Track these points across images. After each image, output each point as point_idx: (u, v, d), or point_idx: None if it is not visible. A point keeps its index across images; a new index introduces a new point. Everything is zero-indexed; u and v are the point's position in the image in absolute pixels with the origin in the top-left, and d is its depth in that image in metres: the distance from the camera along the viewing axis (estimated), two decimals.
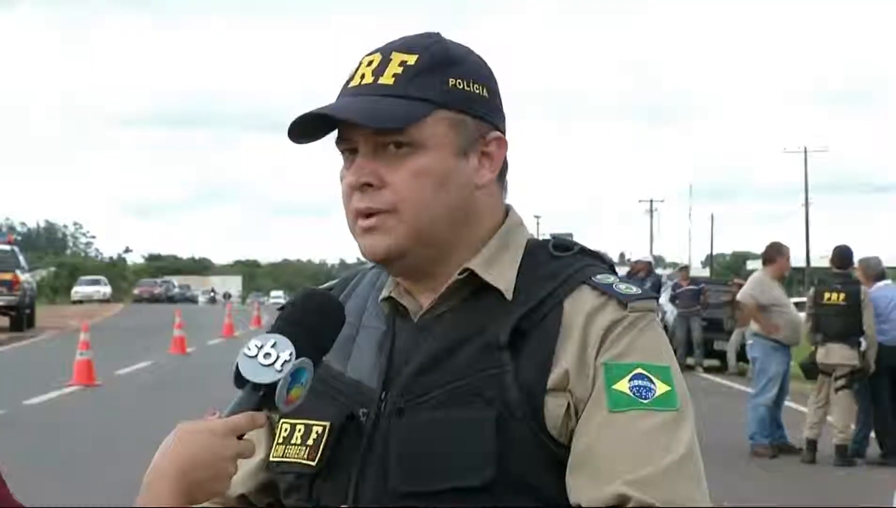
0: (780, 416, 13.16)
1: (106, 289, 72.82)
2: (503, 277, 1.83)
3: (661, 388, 1.75)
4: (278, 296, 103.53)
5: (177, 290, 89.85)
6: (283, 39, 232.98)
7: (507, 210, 1.91)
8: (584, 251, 1.88)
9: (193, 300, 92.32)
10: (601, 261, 1.89)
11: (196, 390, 17.93)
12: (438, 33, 1.88)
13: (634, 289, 1.82)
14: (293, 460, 1.85)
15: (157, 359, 25.02)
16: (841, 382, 12.33)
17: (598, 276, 1.83)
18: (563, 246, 1.88)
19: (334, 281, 2.04)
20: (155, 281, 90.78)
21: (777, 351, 13.01)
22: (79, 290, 70.92)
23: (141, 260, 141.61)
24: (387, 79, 1.81)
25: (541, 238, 1.92)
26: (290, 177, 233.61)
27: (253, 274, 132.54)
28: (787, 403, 13.60)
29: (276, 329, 1.74)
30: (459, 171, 1.82)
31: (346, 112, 1.80)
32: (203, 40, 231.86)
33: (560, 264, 1.85)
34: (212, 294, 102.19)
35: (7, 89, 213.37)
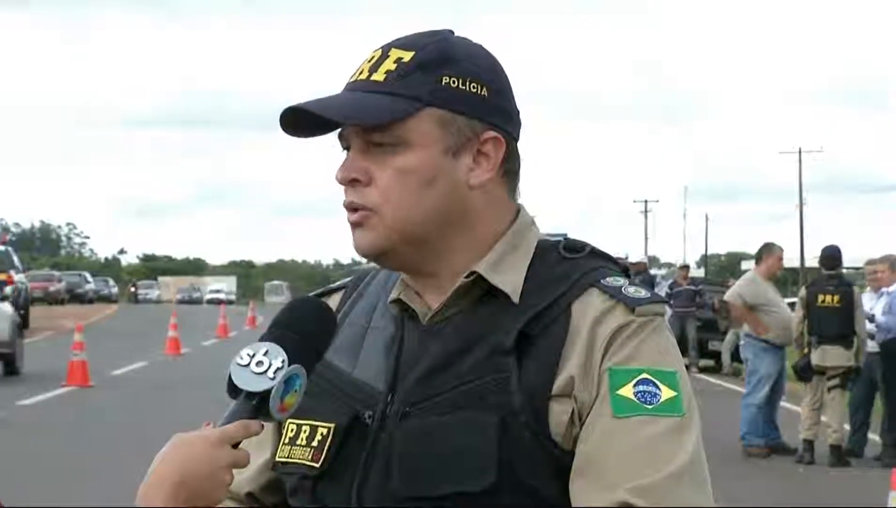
0: (775, 417, 13.17)
1: None
2: (510, 280, 1.81)
3: (666, 394, 1.74)
4: (218, 291, 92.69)
5: (90, 286, 72.25)
6: (283, 39, 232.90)
7: (518, 210, 1.89)
8: (594, 252, 1.86)
9: (111, 299, 76.43)
10: (612, 263, 1.87)
11: (191, 391, 17.93)
12: (449, 31, 1.86)
13: (643, 293, 1.80)
14: (298, 461, 1.84)
15: (152, 360, 25.02)
16: (834, 382, 12.36)
17: (608, 279, 1.81)
18: (573, 247, 1.86)
19: (347, 279, 2.03)
20: (52, 273, 67.92)
21: (768, 352, 13.01)
22: None
23: (136, 261, 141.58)
24: (379, 75, 1.81)
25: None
26: (287, 178, 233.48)
27: (248, 275, 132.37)
28: (782, 403, 13.60)
29: (268, 336, 1.74)
30: (448, 171, 1.80)
31: (323, 107, 1.79)
32: (203, 40, 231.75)
33: (570, 266, 1.83)
34: (132, 290, 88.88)
35: (2, 89, 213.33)
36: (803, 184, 68.91)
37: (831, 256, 12.85)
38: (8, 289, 28.21)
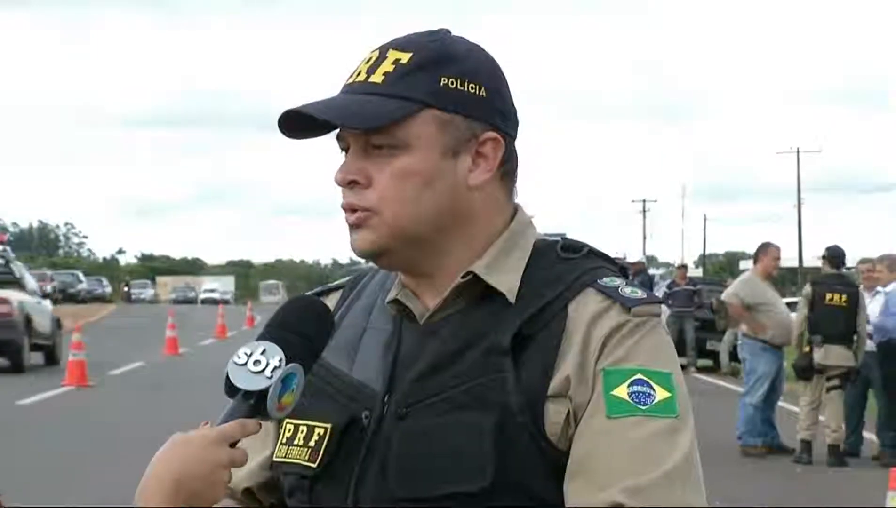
0: (773, 417, 13.17)
1: None
2: (507, 280, 1.81)
3: (660, 394, 1.73)
4: (212, 291, 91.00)
5: (83, 286, 71.90)
6: (283, 39, 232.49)
7: (515, 210, 1.89)
8: (592, 252, 1.86)
9: (105, 298, 75.46)
10: (610, 263, 1.87)
11: (189, 390, 17.92)
12: (446, 30, 1.86)
13: (640, 293, 1.80)
14: (294, 461, 1.84)
15: (150, 360, 25.02)
16: (834, 382, 12.36)
17: (605, 279, 1.81)
18: (571, 247, 1.86)
19: (344, 279, 2.03)
20: (45, 272, 64.44)
21: (766, 352, 13.00)
22: None
23: (134, 261, 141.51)
24: (377, 77, 1.81)
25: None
26: (287, 178, 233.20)
27: (247, 275, 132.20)
28: (780, 403, 13.60)
29: (265, 336, 1.74)
30: (447, 172, 1.80)
31: (322, 110, 1.79)
32: (203, 40, 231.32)
33: (567, 266, 1.83)
34: (125, 289, 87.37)
35: (2, 89, 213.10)
36: (802, 183, 69.11)
37: (837, 255, 12.86)
38: (49, 288, 29.13)
